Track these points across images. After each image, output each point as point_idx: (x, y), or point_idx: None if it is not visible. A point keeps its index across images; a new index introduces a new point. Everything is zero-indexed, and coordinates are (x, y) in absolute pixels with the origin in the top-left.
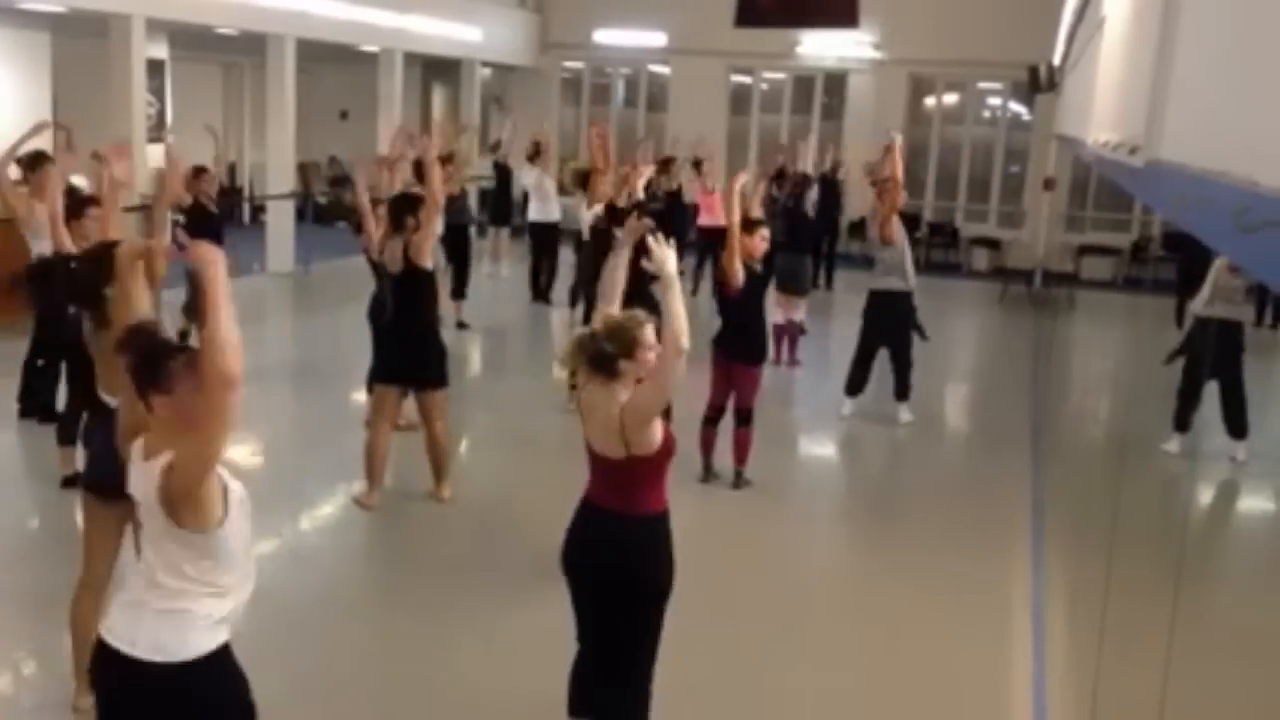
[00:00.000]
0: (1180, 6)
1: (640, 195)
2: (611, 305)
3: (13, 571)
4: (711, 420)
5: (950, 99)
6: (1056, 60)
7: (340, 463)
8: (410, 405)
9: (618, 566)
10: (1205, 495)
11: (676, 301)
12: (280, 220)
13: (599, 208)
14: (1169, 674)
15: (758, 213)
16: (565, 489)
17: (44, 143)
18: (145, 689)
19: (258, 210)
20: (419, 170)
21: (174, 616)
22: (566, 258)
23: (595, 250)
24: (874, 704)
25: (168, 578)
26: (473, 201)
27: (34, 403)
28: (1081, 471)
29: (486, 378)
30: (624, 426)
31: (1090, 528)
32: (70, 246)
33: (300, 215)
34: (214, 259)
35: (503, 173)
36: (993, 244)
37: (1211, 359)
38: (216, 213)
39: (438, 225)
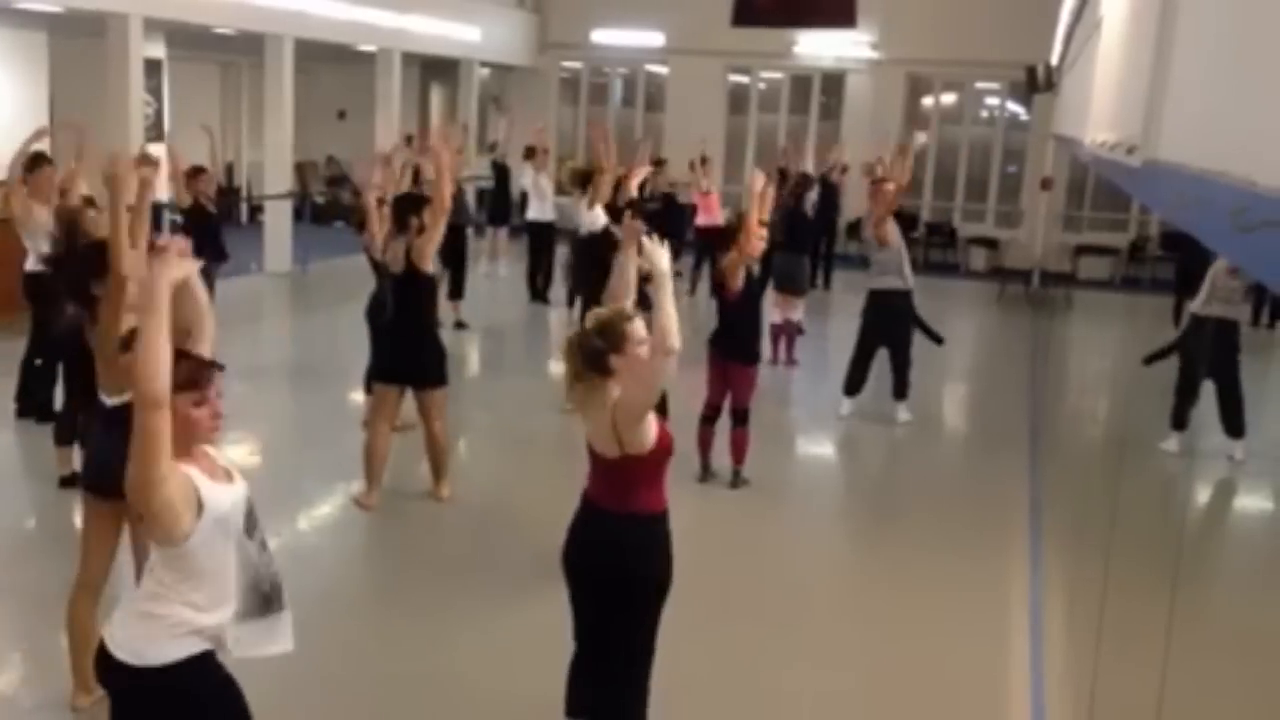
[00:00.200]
0: (1178, 7)
1: (634, 195)
2: (624, 304)
3: (11, 571)
4: (709, 420)
5: (948, 99)
6: (1054, 60)
7: (339, 463)
8: (408, 405)
9: (615, 566)
10: (1203, 494)
11: (668, 300)
12: (278, 220)
13: (600, 209)
14: (1167, 672)
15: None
16: (564, 488)
17: (42, 143)
18: (123, 689)
19: (255, 210)
20: (416, 176)
21: (148, 620)
22: (564, 258)
23: (591, 252)
24: (872, 703)
25: (146, 581)
26: (470, 200)
27: (32, 402)
28: (1079, 471)
29: (485, 377)
30: (615, 425)
31: (1088, 527)
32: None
33: (298, 215)
34: (170, 263)
35: (501, 172)
36: (990, 244)
37: (1208, 358)
38: (215, 213)
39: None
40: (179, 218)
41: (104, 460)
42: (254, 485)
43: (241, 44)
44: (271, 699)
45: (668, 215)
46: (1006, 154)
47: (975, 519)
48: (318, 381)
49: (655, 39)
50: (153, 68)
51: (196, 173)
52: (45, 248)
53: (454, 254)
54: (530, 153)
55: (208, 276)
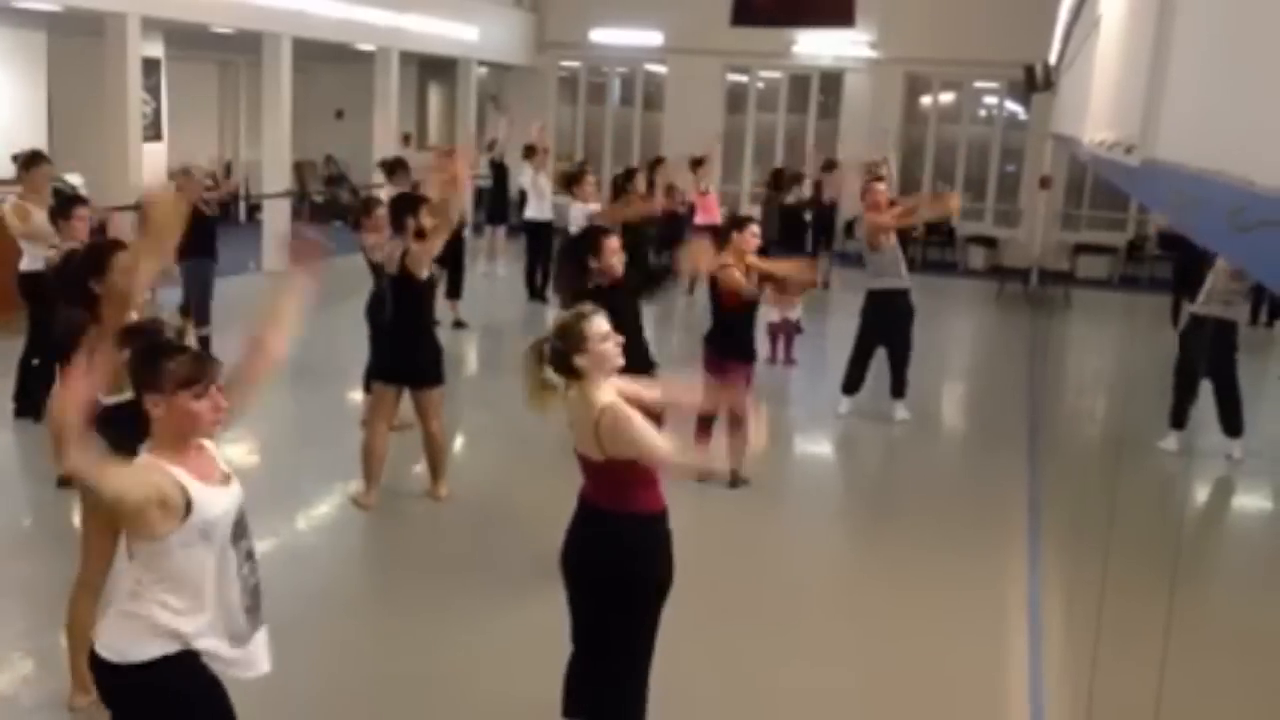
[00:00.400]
0: (1176, 6)
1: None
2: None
3: (10, 570)
4: (706, 419)
5: (946, 98)
6: (1052, 59)
7: (337, 462)
8: (406, 404)
9: (614, 565)
10: (1201, 493)
11: (698, 462)
12: (276, 219)
13: (593, 206)
14: (1165, 672)
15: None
16: (562, 488)
17: (40, 142)
18: (107, 687)
19: (253, 209)
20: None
21: (128, 618)
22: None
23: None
24: (871, 702)
25: (125, 579)
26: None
27: (30, 402)
28: (1078, 469)
29: (483, 376)
30: (599, 434)
31: (1087, 526)
32: None
33: (296, 214)
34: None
35: (499, 171)
36: (989, 243)
37: (1206, 358)
38: (211, 215)
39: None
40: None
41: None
42: (252, 484)
43: (239, 43)
44: (269, 698)
45: (670, 218)
46: (1005, 153)
47: (974, 518)
48: (315, 381)
49: (654, 38)
50: (151, 67)
51: (187, 174)
52: (42, 249)
53: (451, 253)
54: (530, 152)
55: (205, 276)
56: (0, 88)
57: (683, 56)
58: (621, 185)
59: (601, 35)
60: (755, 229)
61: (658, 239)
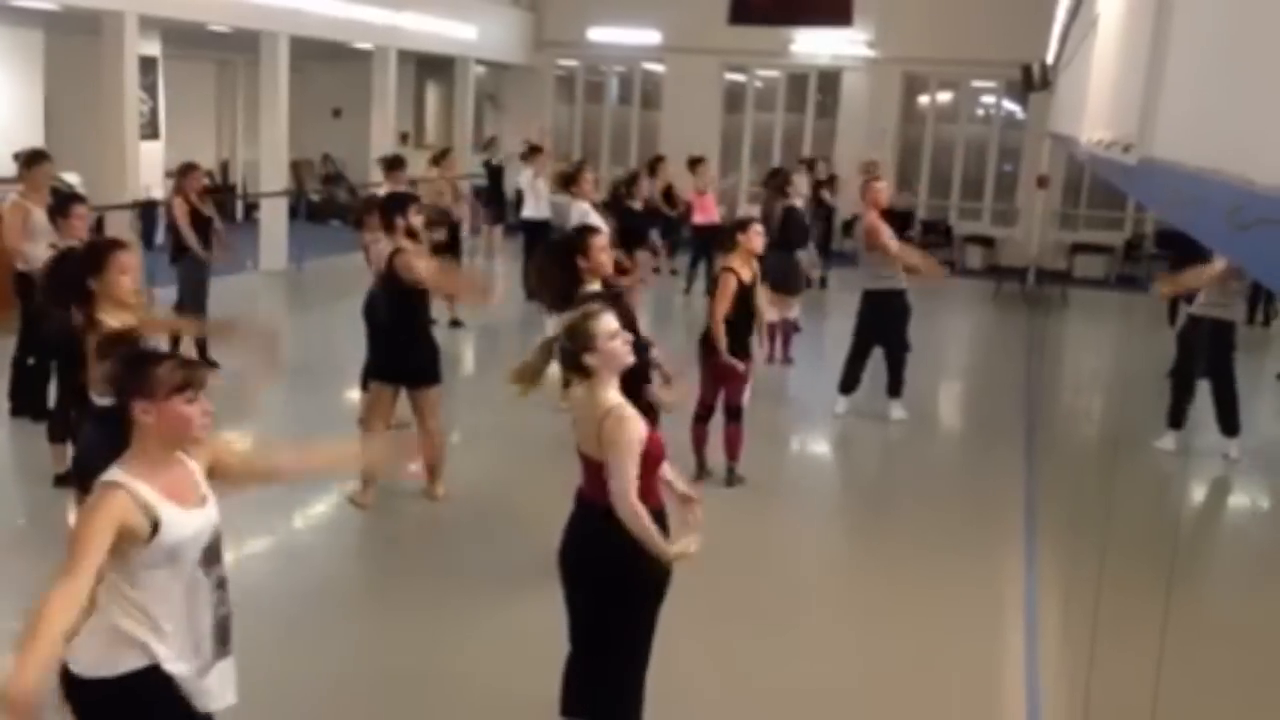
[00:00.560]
0: (1173, 5)
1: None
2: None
3: (6, 569)
4: (702, 418)
5: (944, 97)
6: (1050, 59)
7: None
8: (403, 404)
9: (610, 563)
10: (1198, 492)
11: (643, 528)
12: (273, 218)
13: (585, 204)
14: (1162, 669)
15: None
16: (559, 487)
17: (37, 141)
18: (72, 700)
19: (251, 208)
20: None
21: (98, 631)
22: None
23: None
24: (868, 700)
25: (99, 593)
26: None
27: (25, 401)
28: (1075, 468)
29: (480, 375)
30: (601, 433)
31: (1083, 524)
32: None
33: (293, 213)
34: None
35: (494, 171)
36: (986, 242)
37: (1204, 358)
38: (208, 215)
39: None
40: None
41: (94, 460)
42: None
43: (237, 42)
44: (264, 697)
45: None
46: (1002, 152)
47: (970, 516)
48: (313, 380)
49: (651, 37)
50: (148, 65)
51: (187, 170)
52: (41, 249)
53: (449, 252)
54: (527, 152)
55: (200, 276)
56: None
57: (680, 55)
58: (624, 191)
59: (599, 34)
60: (759, 228)
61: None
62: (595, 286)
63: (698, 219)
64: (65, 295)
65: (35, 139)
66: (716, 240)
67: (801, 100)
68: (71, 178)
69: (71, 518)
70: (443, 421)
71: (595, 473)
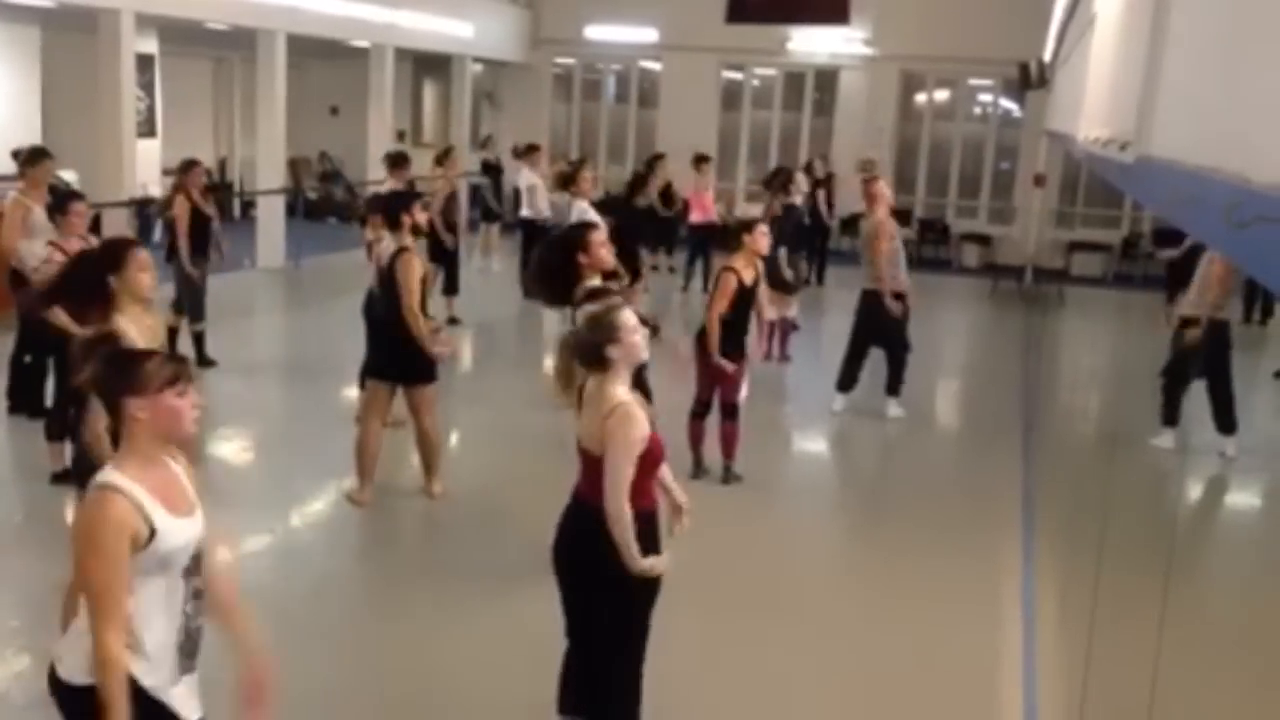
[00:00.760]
0: (1171, 3)
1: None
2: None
3: (3, 567)
4: (698, 415)
5: (941, 95)
6: (1047, 57)
7: (331, 459)
8: (400, 401)
9: (604, 563)
10: (1194, 490)
11: (627, 542)
12: (271, 215)
13: (584, 203)
14: (1158, 665)
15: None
16: (556, 485)
17: (34, 138)
18: (66, 708)
19: (248, 205)
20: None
21: (77, 636)
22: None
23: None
24: (866, 696)
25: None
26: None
27: (22, 399)
28: (1072, 466)
29: (477, 373)
30: (606, 428)
31: (1080, 521)
32: None
33: (291, 210)
34: None
35: (492, 170)
36: (983, 240)
37: (1197, 358)
38: (207, 213)
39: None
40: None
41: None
42: (246, 481)
43: (234, 39)
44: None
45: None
46: (999, 150)
47: (968, 513)
48: (310, 377)
49: (649, 35)
50: (145, 63)
51: (188, 167)
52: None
53: (447, 251)
54: (526, 150)
55: (200, 273)
56: None
57: (678, 53)
58: (628, 195)
59: (596, 32)
60: (764, 229)
61: (653, 237)
62: (595, 282)
63: (694, 217)
64: (85, 295)
65: (32, 136)
66: (714, 238)
67: (799, 98)
68: (68, 175)
69: (70, 516)
70: (439, 419)
71: (595, 469)
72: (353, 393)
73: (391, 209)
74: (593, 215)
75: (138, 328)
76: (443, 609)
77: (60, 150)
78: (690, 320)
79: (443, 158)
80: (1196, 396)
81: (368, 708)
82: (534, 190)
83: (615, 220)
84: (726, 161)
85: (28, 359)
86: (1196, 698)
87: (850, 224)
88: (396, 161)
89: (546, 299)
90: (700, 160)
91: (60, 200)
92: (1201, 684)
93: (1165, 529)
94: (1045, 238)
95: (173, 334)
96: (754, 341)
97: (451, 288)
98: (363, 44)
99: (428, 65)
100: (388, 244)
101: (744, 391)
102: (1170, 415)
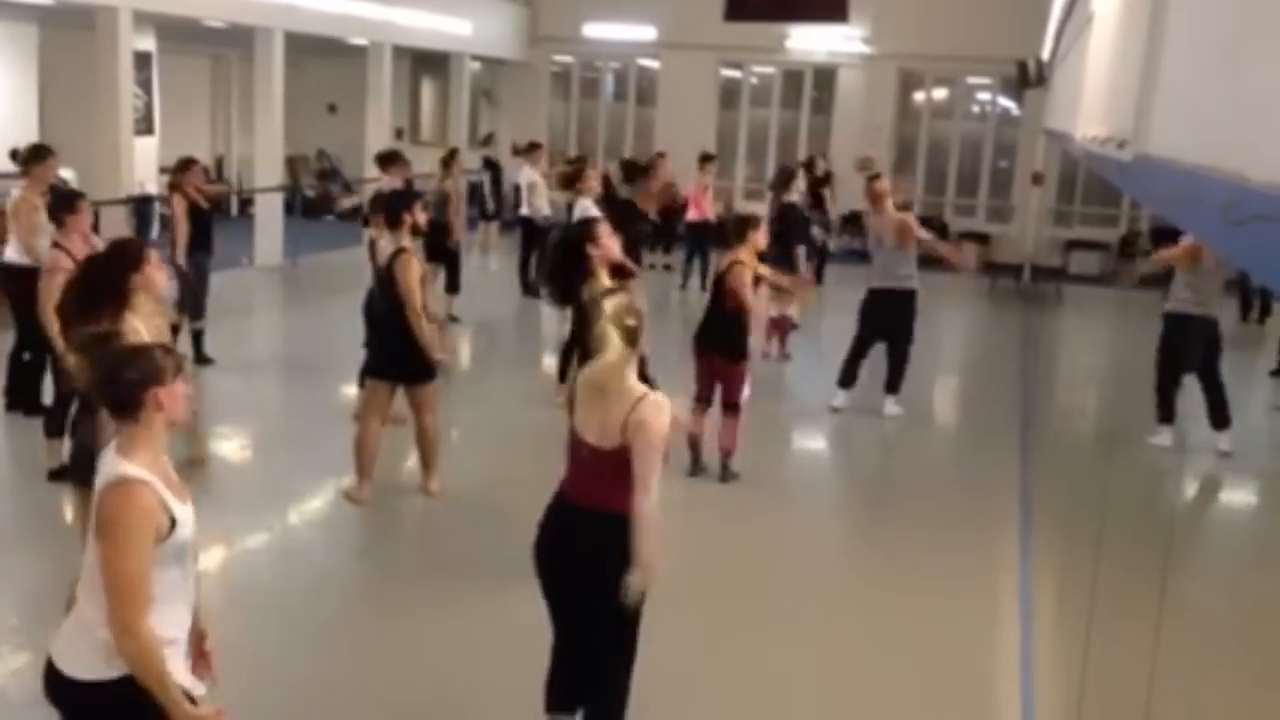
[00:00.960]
0: (1168, 2)
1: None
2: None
3: (2, 565)
4: (700, 403)
5: (939, 94)
6: (1045, 55)
7: (330, 457)
8: (399, 400)
9: (600, 565)
10: (1190, 486)
11: (650, 538)
12: (268, 213)
13: (587, 201)
14: (1156, 660)
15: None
16: (554, 483)
17: (31, 136)
18: (68, 704)
19: (246, 203)
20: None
21: (91, 628)
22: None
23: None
24: (864, 691)
25: (96, 593)
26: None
27: (20, 396)
28: (1069, 463)
29: (476, 371)
30: (631, 417)
31: (1078, 518)
32: None
33: (289, 208)
34: None
35: (493, 168)
36: (981, 238)
37: (1185, 356)
38: (207, 209)
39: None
40: (167, 210)
41: (91, 453)
42: (245, 479)
43: (231, 37)
44: (262, 692)
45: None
46: (998, 149)
47: (966, 510)
48: (308, 375)
49: (647, 33)
50: (143, 60)
51: (185, 166)
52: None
53: (447, 250)
54: (527, 149)
55: (201, 270)
56: None
57: (676, 51)
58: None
59: (594, 30)
60: (763, 225)
61: (653, 235)
62: (605, 282)
63: (692, 215)
64: (104, 295)
65: (30, 134)
66: (710, 237)
67: (797, 97)
68: (66, 173)
69: (69, 513)
70: (439, 417)
71: (599, 465)
72: (351, 390)
73: (392, 208)
74: (595, 213)
75: (148, 326)
76: (441, 606)
77: (58, 148)
78: (688, 319)
79: (449, 160)
80: (1194, 397)
81: (366, 704)
82: (534, 188)
83: (616, 217)
84: (725, 160)
85: (26, 356)
86: (1193, 694)
87: (851, 221)
88: (387, 160)
89: (558, 296)
90: (705, 159)
91: (68, 199)
92: (1198, 680)
93: (1162, 526)
94: (1043, 236)
95: (174, 332)
96: (756, 340)
97: (453, 286)
98: (361, 42)
99: (426, 63)
100: (386, 243)
101: (746, 391)
102: (1165, 413)
